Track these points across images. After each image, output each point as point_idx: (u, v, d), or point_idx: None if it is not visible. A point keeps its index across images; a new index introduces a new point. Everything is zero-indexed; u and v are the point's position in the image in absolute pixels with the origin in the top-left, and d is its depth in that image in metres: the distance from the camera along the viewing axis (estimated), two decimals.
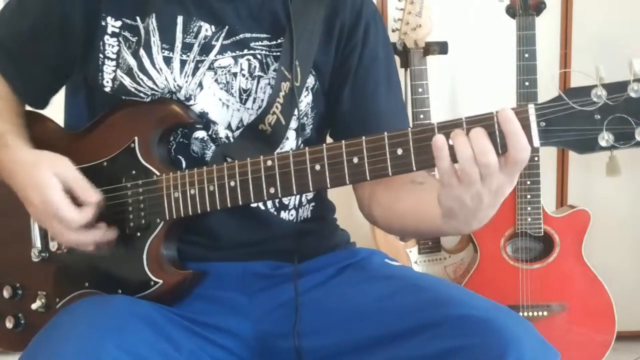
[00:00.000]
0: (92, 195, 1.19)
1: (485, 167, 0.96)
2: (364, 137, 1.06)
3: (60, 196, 1.16)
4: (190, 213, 1.17)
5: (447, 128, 1.00)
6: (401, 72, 2.33)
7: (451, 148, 0.98)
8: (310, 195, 1.32)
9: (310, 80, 1.27)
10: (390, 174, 1.05)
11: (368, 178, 1.07)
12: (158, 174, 1.20)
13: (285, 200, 1.28)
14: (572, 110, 0.95)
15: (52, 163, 1.19)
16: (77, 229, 1.17)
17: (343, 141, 1.08)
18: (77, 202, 1.18)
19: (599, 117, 0.94)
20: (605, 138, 0.94)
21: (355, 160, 1.07)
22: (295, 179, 1.11)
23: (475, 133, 0.97)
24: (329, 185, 1.10)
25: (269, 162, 1.12)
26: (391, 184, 1.23)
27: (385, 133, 1.04)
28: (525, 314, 2.31)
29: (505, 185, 0.99)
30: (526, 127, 0.96)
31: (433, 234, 1.30)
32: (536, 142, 0.97)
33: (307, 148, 1.11)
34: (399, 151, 1.03)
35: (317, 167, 1.09)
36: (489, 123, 0.98)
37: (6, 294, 1.32)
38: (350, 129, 1.26)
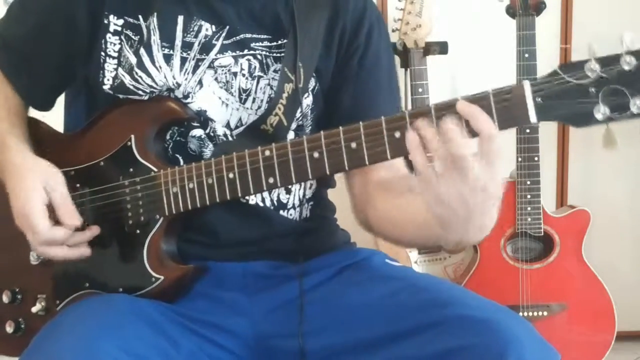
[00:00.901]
0: (72, 217, 1.19)
1: (460, 157, 0.95)
2: (361, 122, 1.06)
3: (38, 206, 1.16)
4: (190, 207, 1.17)
5: (443, 109, 0.99)
6: (401, 72, 2.33)
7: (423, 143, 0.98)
8: (309, 194, 1.32)
9: (312, 83, 1.27)
10: (389, 157, 1.04)
11: (367, 162, 1.06)
12: (156, 170, 1.20)
13: (284, 199, 1.28)
14: (567, 84, 0.95)
15: (46, 176, 1.19)
16: (44, 243, 1.17)
17: (340, 127, 1.07)
18: (56, 219, 1.18)
19: (593, 90, 0.95)
20: (601, 110, 0.95)
21: (354, 145, 1.06)
22: (294, 168, 1.11)
23: (445, 128, 0.96)
24: (327, 172, 1.09)
25: (267, 152, 1.12)
26: (390, 191, 1.22)
27: (383, 117, 1.04)
28: (525, 314, 2.31)
29: (484, 178, 0.97)
30: (522, 104, 0.96)
31: (430, 245, 1.29)
32: (533, 117, 0.96)
33: (304, 136, 1.10)
34: (397, 134, 1.03)
35: (316, 154, 1.09)
36: (485, 102, 0.97)
37: (6, 298, 1.31)
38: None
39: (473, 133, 0.96)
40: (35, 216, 1.16)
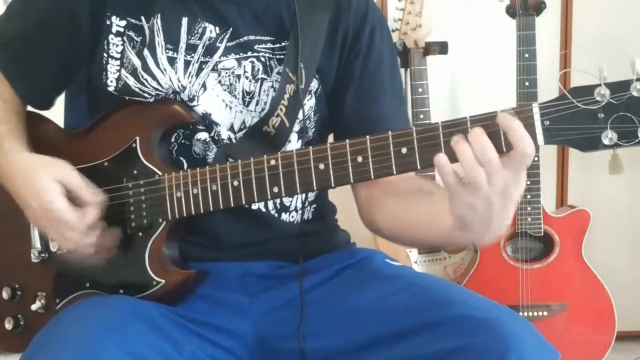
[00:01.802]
0: (94, 195, 1.18)
1: (487, 164, 0.96)
2: (368, 136, 1.06)
3: (62, 202, 1.15)
4: (193, 213, 1.17)
5: (451, 127, 1.00)
6: (401, 72, 2.32)
7: (453, 154, 0.98)
8: (311, 197, 1.31)
9: (314, 84, 1.27)
10: (394, 172, 1.05)
11: (372, 177, 1.06)
12: (160, 173, 1.20)
13: (286, 202, 1.28)
14: (576, 109, 0.95)
15: (52, 168, 1.18)
16: (83, 232, 1.16)
17: (347, 140, 1.08)
18: (77, 203, 1.17)
19: (602, 115, 0.95)
20: (608, 136, 0.95)
21: (360, 159, 1.06)
22: (299, 179, 1.11)
23: (473, 134, 0.97)
24: (333, 185, 1.10)
25: (273, 162, 1.12)
26: (401, 193, 1.22)
27: (390, 132, 1.04)
28: (525, 314, 2.31)
29: (510, 185, 0.98)
30: (530, 126, 0.96)
31: (444, 245, 1.29)
32: (540, 140, 0.97)
33: (310, 147, 1.10)
34: (404, 150, 1.03)
35: (321, 166, 1.09)
36: (491, 122, 0.98)
37: (5, 295, 1.31)
38: (354, 132, 1.25)
39: (508, 146, 0.97)
40: (62, 210, 1.15)
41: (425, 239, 1.22)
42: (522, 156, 0.96)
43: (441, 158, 0.98)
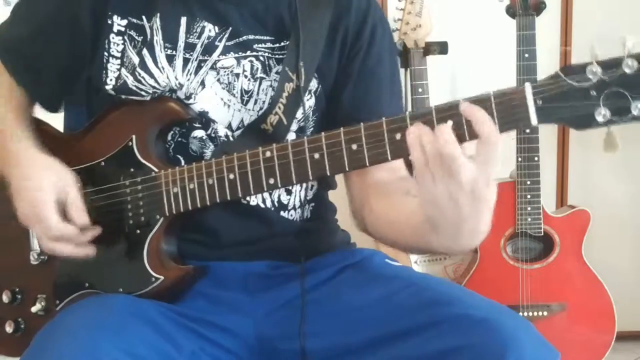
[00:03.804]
0: (82, 216, 1.19)
1: (450, 158, 0.95)
2: (362, 124, 1.06)
3: (50, 202, 1.17)
4: (190, 207, 1.18)
5: (444, 111, 0.99)
6: (401, 72, 2.33)
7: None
8: (310, 195, 1.31)
9: (313, 84, 1.27)
10: (389, 158, 1.04)
11: (367, 164, 1.06)
12: (156, 170, 1.21)
13: (284, 200, 1.28)
14: (569, 87, 0.95)
15: (58, 173, 1.20)
16: (54, 238, 1.18)
17: (342, 129, 1.07)
18: (64, 216, 1.19)
19: (594, 93, 0.95)
20: (602, 113, 0.95)
21: (354, 147, 1.06)
22: (294, 169, 1.11)
23: (439, 129, 0.97)
24: (328, 173, 1.10)
25: (268, 153, 1.12)
26: (392, 194, 1.22)
27: (384, 118, 1.04)
28: (525, 314, 2.31)
29: (479, 182, 0.96)
30: (523, 106, 0.96)
31: (425, 250, 1.28)
32: (534, 120, 0.97)
33: (305, 137, 1.11)
34: (397, 136, 1.03)
35: (316, 155, 1.09)
36: (486, 104, 0.97)
37: (5, 298, 1.32)
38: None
39: (472, 135, 0.97)
40: (47, 210, 1.17)
41: (408, 242, 1.19)
42: (487, 143, 0.95)
43: (411, 132, 0.98)
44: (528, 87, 0.97)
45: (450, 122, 0.97)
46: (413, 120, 1.01)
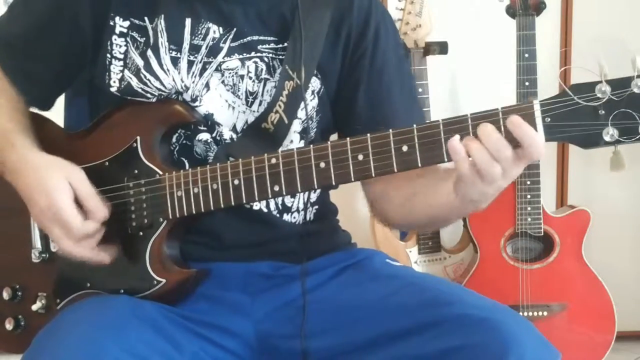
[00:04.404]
0: (100, 210, 1.17)
1: (505, 161, 0.99)
2: (368, 135, 1.07)
3: (68, 201, 1.15)
4: (194, 212, 1.17)
5: (452, 125, 1.01)
6: None
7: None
8: (314, 198, 1.31)
9: (316, 84, 1.27)
10: (395, 170, 1.05)
11: (373, 175, 1.07)
12: (161, 173, 1.20)
13: (288, 203, 1.28)
14: (577, 105, 0.96)
15: (68, 171, 1.18)
16: (77, 239, 1.16)
17: (348, 138, 1.08)
18: (83, 214, 1.17)
19: (603, 112, 0.95)
20: (609, 133, 0.95)
21: (360, 157, 1.07)
22: (299, 177, 1.11)
23: (485, 134, 0.98)
24: (333, 183, 1.10)
25: (273, 160, 1.12)
26: (403, 180, 1.21)
27: (390, 130, 1.05)
28: (525, 314, 2.31)
29: (504, 180, 1.03)
30: (531, 123, 0.97)
31: (449, 220, 1.30)
32: (541, 137, 0.98)
33: (311, 146, 1.11)
34: (404, 148, 1.04)
35: (322, 164, 1.09)
36: (494, 119, 0.98)
37: (6, 295, 1.31)
38: (368, 130, 1.25)
39: (512, 143, 1.00)
40: (68, 212, 1.14)
41: (431, 219, 1.22)
42: (531, 149, 0.98)
43: (456, 144, 1.00)
44: (537, 105, 0.98)
45: (491, 126, 1.00)
46: (420, 132, 1.03)
